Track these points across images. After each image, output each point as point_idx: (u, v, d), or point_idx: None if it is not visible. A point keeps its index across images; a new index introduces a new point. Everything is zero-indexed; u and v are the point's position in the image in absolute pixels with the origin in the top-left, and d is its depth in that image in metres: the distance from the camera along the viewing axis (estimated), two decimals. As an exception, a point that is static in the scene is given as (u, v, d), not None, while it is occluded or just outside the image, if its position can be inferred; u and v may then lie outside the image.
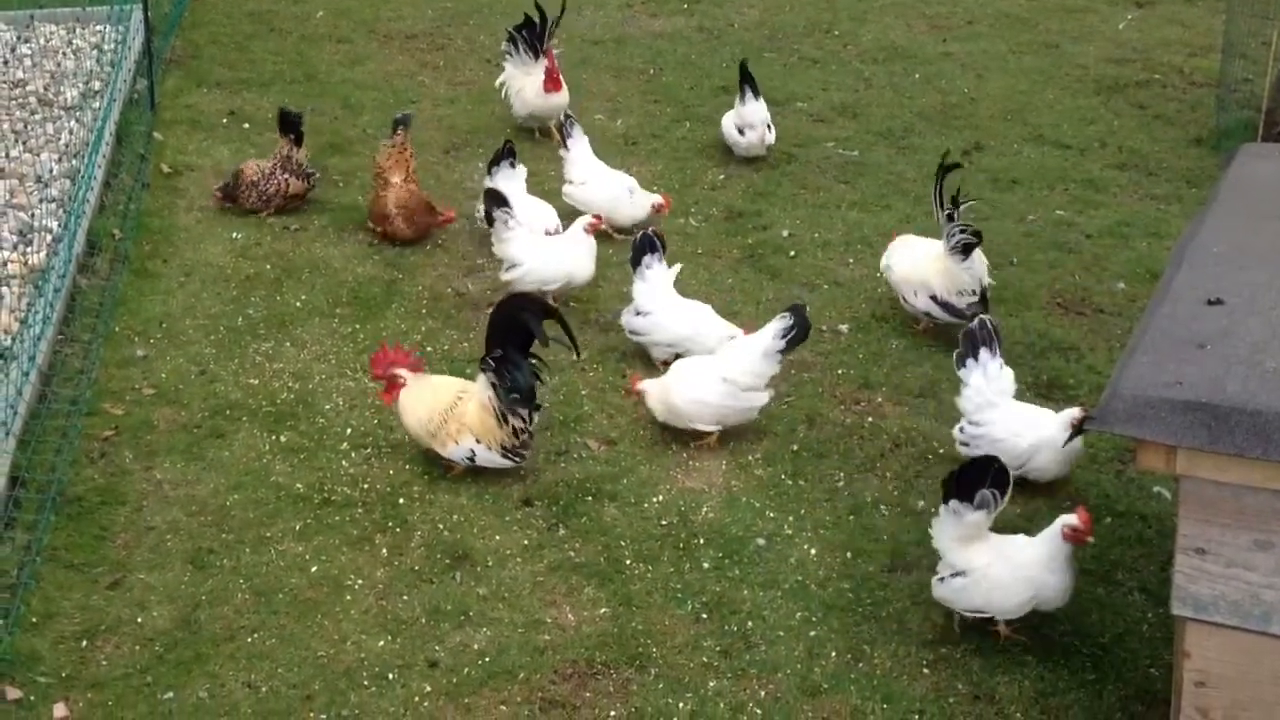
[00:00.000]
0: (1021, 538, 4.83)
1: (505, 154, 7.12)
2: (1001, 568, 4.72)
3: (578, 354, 5.81)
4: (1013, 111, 9.33)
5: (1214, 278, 4.27)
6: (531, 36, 8.43)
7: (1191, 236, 4.66)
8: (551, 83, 8.31)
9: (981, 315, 5.65)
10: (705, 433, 5.78)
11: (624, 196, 7.38)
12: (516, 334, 5.43)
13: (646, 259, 6.23)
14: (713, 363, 5.79)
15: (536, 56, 8.40)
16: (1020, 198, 8.14)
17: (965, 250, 6.29)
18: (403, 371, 5.58)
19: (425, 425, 5.53)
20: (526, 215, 6.90)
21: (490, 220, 6.71)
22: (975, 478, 4.68)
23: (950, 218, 6.37)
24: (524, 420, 5.45)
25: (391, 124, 7.44)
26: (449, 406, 5.51)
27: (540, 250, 6.67)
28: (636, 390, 5.78)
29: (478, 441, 5.48)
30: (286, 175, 7.53)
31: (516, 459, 5.54)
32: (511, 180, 7.10)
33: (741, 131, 8.28)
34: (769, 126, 8.28)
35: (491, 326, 5.52)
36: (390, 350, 5.64)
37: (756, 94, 8.21)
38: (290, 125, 7.57)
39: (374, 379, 5.69)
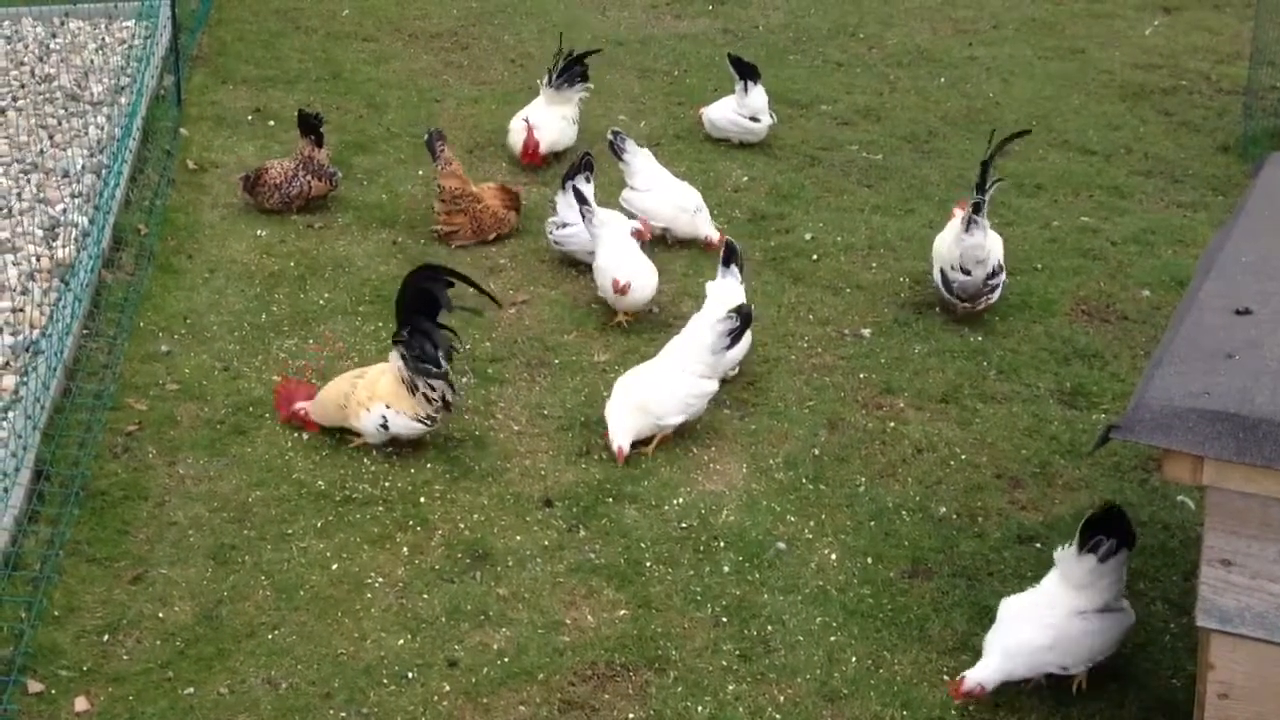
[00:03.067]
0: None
1: (584, 166, 7.07)
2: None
3: (497, 303, 6.20)
4: (1038, 116, 9.29)
5: (1242, 287, 4.24)
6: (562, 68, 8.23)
7: (1220, 245, 4.63)
8: (526, 155, 8.20)
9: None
10: (649, 440, 5.79)
11: (687, 211, 7.32)
12: (424, 305, 5.59)
13: (731, 267, 6.29)
14: (664, 362, 5.88)
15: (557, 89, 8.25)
16: (1045, 203, 8.11)
17: (967, 224, 6.45)
18: (302, 404, 5.77)
19: (339, 406, 5.67)
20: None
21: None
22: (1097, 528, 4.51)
23: (978, 190, 6.49)
24: (433, 389, 5.59)
25: (430, 148, 7.41)
26: (351, 380, 5.69)
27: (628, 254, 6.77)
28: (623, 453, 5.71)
29: (388, 407, 5.60)
30: (309, 177, 7.55)
31: (429, 424, 5.67)
32: (587, 192, 7.05)
33: (756, 119, 8.49)
34: (771, 113, 8.60)
35: (399, 303, 5.65)
36: (285, 389, 5.80)
37: (757, 80, 8.43)
38: (310, 126, 7.59)
39: (285, 423, 5.82)
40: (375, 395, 5.63)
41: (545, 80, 8.26)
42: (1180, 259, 7.36)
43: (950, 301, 6.67)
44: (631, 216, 7.11)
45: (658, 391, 5.75)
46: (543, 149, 8.21)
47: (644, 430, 5.77)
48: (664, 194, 7.38)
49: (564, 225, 7.11)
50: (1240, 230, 4.69)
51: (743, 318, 5.86)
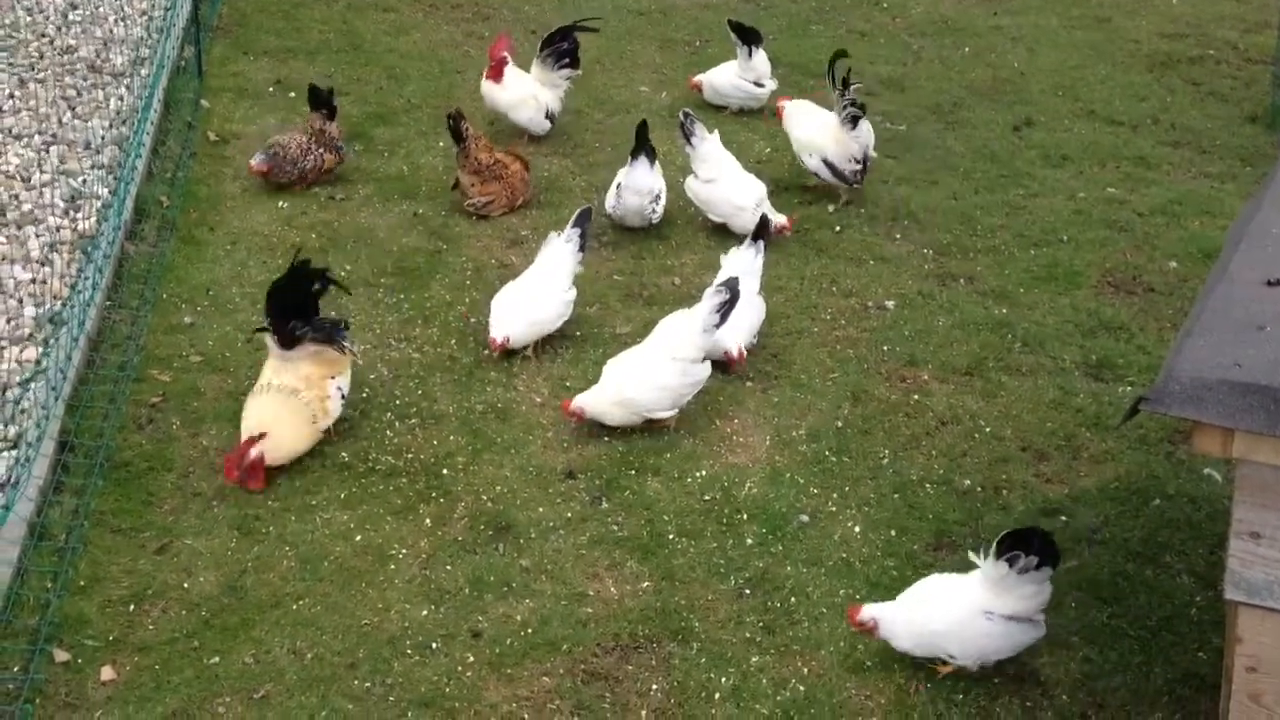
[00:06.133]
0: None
1: (644, 143, 6.95)
2: None
3: (346, 290, 6.22)
4: (1064, 86, 9.20)
5: (1273, 258, 4.19)
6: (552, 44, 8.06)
7: (1250, 216, 4.57)
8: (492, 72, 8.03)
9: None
10: (661, 420, 5.71)
11: (749, 207, 7.00)
12: (301, 299, 5.58)
13: (758, 242, 6.20)
14: (653, 349, 5.72)
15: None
16: (1071, 174, 8.04)
17: (853, 121, 7.17)
18: (254, 450, 5.35)
19: (311, 421, 5.49)
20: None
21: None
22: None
23: (841, 95, 7.20)
24: (350, 341, 5.72)
25: (454, 131, 7.24)
26: (301, 399, 5.47)
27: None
28: (572, 412, 5.65)
29: (334, 379, 5.59)
30: (321, 150, 7.54)
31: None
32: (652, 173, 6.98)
33: (760, 84, 8.57)
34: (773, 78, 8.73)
35: (276, 309, 5.52)
36: (232, 454, 5.37)
37: (759, 45, 8.47)
38: (321, 100, 7.56)
39: (232, 482, 5.34)
40: (320, 380, 5.53)
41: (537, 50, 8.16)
42: (1208, 230, 7.30)
43: (842, 187, 7.45)
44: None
45: (642, 385, 5.59)
46: (501, 101, 8.06)
47: (628, 421, 5.67)
48: (725, 188, 7.10)
49: (657, 197, 6.97)
50: (1270, 201, 4.63)
51: (731, 291, 5.67)
